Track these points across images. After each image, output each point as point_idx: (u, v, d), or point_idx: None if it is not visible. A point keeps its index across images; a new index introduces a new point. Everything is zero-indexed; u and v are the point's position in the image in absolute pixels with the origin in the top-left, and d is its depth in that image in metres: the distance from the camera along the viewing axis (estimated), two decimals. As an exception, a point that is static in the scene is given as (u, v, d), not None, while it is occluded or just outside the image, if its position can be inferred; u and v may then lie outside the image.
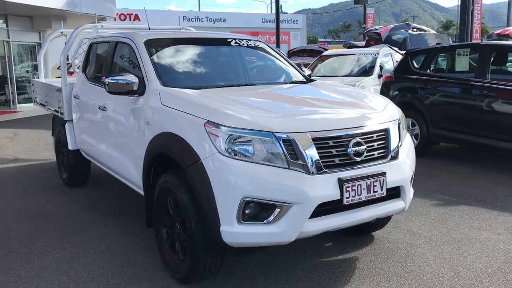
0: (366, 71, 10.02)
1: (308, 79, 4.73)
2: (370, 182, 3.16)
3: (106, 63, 4.80)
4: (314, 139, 3.05)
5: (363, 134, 3.25)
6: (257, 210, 3.00)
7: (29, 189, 5.98)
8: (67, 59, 5.89)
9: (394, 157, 3.38)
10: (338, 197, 3.05)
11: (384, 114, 3.50)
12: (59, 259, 3.89)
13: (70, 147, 5.66)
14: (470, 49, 7.32)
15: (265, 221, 2.98)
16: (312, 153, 3.02)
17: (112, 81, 3.85)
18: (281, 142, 2.98)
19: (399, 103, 7.67)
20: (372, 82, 9.43)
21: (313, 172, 3.01)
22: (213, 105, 3.28)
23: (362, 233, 4.24)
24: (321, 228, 3.06)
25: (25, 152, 8.37)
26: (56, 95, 5.91)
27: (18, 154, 8.20)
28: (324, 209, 3.05)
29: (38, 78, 7.56)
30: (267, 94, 3.95)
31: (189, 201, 3.15)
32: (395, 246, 4.05)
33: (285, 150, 2.98)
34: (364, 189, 3.14)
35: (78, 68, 5.80)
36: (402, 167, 3.41)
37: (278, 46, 20.32)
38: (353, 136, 3.20)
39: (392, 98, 7.72)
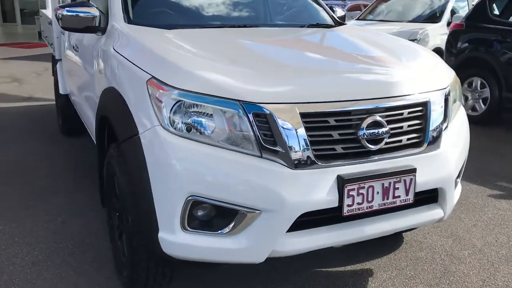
0: (434, 17, 8.45)
1: (338, 23, 3.56)
2: (389, 183, 2.10)
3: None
4: (303, 115, 2.00)
5: (386, 109, 2.15)
6: (210, 215, 2.05)
7: (19, 136, 5.33)
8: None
9: (433, 145, 2.27)
10: (336, 204, 2.02)
11: (425, 78, 2.35)
12: (1, 233, 3.18)
13: (60, 91, 4.90)
14: None
15: (219, 231, 2.02)
16: (298, 136, 1.98)
17: (67, 13, 2.90)
18: (251, 116, 1.96)
19: (468, 59, 6.28)
20: (439, 31, 7.92)
21: (297, 165, 1.98)
22: (162, 54, 2.27)
23: (387, 233, 3.19)
24: (304, 247, 2.07)
25: (44, 90, 7.77)
26: (49, 29, 5.09)
27: (35, 92, 7.63)
28: (311, 218, 2.05)
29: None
30: (261, 41, 2.84)
31: (127, 188, 2.25)
32: (430, 258, 2.98)
33: (256, 129, 1.96)
34: (378, 193, 2.09)
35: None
36: (444, 160, 2.30)
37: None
38: (370, 112, 2.11)
39: (460, 52, 6.31)
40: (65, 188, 3.92)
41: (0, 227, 3.26)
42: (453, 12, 8.25)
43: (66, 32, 4.30)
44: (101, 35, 2.98)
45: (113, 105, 2.40)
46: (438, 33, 7.83)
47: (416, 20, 8.59)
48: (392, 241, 3.15)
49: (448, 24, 7.85)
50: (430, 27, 7.88)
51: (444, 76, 2.46)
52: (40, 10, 6.84)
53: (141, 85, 2.15)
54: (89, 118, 3.41)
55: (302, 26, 3.32)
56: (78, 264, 2.84)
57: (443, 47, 7.10)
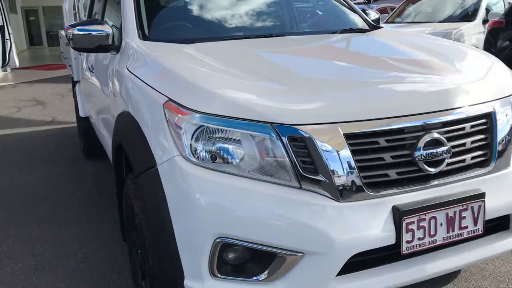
0: (466, 15, 8.00)
1: (374, 26, 3.23)
2: (454, 212, 1.76)
3: (100, 11, 3.63)
4: (348, 136, 1.68)
5: (445, 124, 1.81)
6: (243, 258, 1.74)
7: (41, 161, 5.15)
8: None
9: (502, 163, 1.92)
10: (393, 241, 1.69)
11: (486, 85, 2.01)
12: (19, 272, 2.94)
13: (80, 114, 4.69)
14: None
15: (254, 278, 1.71)
16: (343, 161, 1.66)
17: (78, 32, 2.67)
18: (285, 141, 1.65)
19: (511, 58, 5.86)
20: (474, 30, 7.46)
21: (344, 196, 1.66)
22: (180, 72, 1.99)
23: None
24: (357, 294, 1.74)
25: (67, 112, 7.65)
26: (67, 50, 4.92)
27: (58, 115, 7.51)
28: (364, 258, 1.72)
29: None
30: (290, 52, 2.53)
31: (147, 227, 1.96)
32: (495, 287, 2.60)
33: (293, 155, 1.65)
34: (441, 225, 1.75)
35: (85, 17, 4.72)
36: (515, 179, 1.94)
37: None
38: (426, 128, 1.78)
39: (501, 51, 5.86)
40: (87, 217, 3.68)
41: (19, 264, 3.02)
42: (487, 10, 7.79)
43: (84, 53, 4.09)
44: (115, 53, 2.74)
45: (127, 132, 2.13)
46: (474, 32, 7.39)
47: (448, 20, 8.16)
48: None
49: (484, 22, 7.39)
50: (464, 26, 7.45)
51: (507, 80, 2.11)
52: (59, 32, 6.73)
53: (157, 109, 1.87)
54: (107, 143, 3.16)
55: (333, 32, 3.00)
56: (98, 307, 2.57)
57: (480, 46, 6.67)
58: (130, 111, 2.17)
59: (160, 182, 1.79)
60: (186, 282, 1.76)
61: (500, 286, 2.61)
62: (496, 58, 2.35)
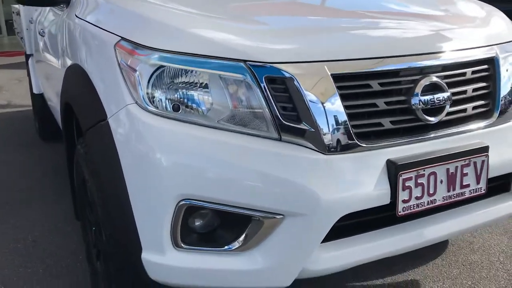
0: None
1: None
2: (456, 167, 1.52)
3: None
4: (337, 77, 1.42)
5: (444, 67, 1.58)
6: (212, 225, 1.46)
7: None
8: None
9: (506, 115, 1.70)
10: (387, 200, 1.44)
11: (487, 29, 1.79)
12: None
13: (34, 90, 4.29)
14: None
15: (226, 247, 1.44)
16: (331, 108, 1.41)
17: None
18: (263, 83, 1.38)
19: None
20: None
21: (331, 148, 1.40)
22: (138, 10, 1.68)
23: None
24: (345, 263, 1.50)
25: (24, 96, 7.13)
26: (18, 21, 4.51)
27: (14, 99, 7.03)
28: (353, 222, 1.47)
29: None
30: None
31: (97, 194, 1.66)
32: (486, 261, 2.40)
33: (272, 101, 1.38)
34: (442, 182, 1.51)
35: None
36: (520, 134, 1.73)
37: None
38: (424, 71, 1.54)
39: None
40: (41, 200, 3.32)
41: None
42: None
43: (35, 20, 3.71)
44: (65, 8, 2.40)
45: (75, 86, 1.82)
46: None
47: None
48: (435, 244, 2.56)
49: None
50: None
51: (509, 26, 1.89)
52: (12, 6, 6.24)
53: (107, 52, 1.57)
54: (57, 113, 2.82)
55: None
56: (47, 294, 2.25)
57: None
58: (79, 62, 1.85)
59: (111, 137, 1.49)
60: (143, 255, 1.47)
61: (491, 259, 2.43)
62: (495, 9, 2.14)
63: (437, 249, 2.51)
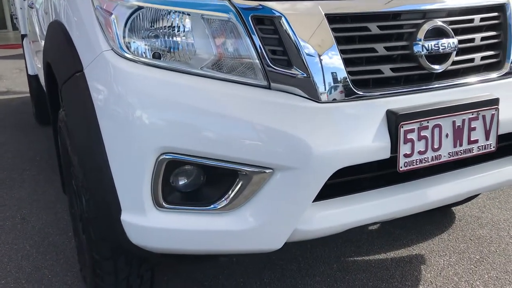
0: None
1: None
2: (463, 120, 1.39)
3: None
4: (332, 18, 1.30)
5: (450, 12, 1.45)
6: (196, 182, 1.34)
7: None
8: None
9: (518, 68, 1.57)
10: (387, 154, 1.32)
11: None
12: None
13: (29, 71, 4.21)
14: None
15: (211, 206, 1.32)
16: (326, 52, 1.28)
17: None
18: (249, 23, 1.25)
19: None
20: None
21: (326, 96, 1.28)
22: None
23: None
24: (341, 224, 1.37)
25: (24, 83, 7.04)
26: (13, 2, 4.41)
27: (15, 86, 6.95)
28: (349, 179, 1.35)
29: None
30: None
31: (75, 155, 1.55)
32: (495, 236, 2.27)
33: (259, 43, 1.26)
34: (447, 136, 1.38)
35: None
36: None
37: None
38: (427, 15, 1.41)
39: None
40: (32, 179, 3.23)
41: None
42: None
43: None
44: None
45: (53, 42, 1.70)
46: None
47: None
48: (441, 218, 2.44)
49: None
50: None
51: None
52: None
53: (84, 0, 1.45)
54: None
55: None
56: (34, 269, 2.14)
57: None
58: (58, 18, 1.74)
59: (87, 88, 1.37)
60: (122, 217, 1.35)
61: (500, 234, 2.30)
62: None
63: (443, 224, 2.39)
